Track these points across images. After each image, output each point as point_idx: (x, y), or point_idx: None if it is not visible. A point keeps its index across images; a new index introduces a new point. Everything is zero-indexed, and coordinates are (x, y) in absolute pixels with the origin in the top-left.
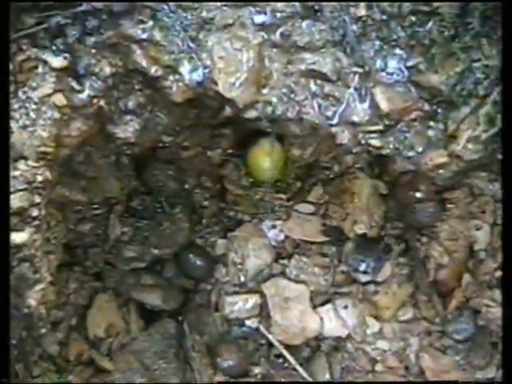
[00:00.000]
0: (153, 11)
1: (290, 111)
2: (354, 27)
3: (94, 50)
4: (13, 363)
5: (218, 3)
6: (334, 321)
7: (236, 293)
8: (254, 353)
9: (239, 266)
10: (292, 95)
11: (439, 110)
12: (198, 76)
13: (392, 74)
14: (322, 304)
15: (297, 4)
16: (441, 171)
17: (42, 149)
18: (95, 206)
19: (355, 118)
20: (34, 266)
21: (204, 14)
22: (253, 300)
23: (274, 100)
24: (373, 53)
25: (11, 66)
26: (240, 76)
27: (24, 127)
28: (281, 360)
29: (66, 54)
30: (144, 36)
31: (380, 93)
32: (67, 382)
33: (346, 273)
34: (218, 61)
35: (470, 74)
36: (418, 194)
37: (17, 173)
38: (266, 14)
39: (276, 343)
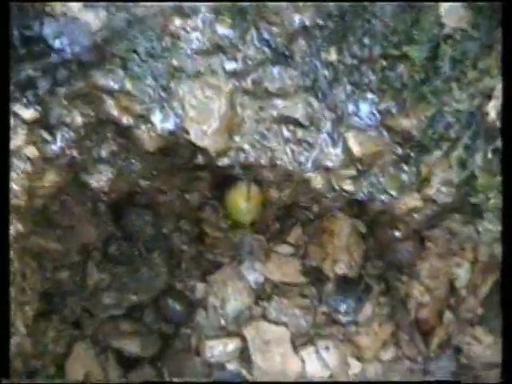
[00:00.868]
0: (123, 61)
1: (262, 158)
2: (326, 72)
3: (65, 101)
4: None
5: (189, 51)
6: (315, 362)
7: (216, 336)
8: None
9: (219, 310)
10: (265, 142)
11: (412, 154)
12: (169, 125)
13: (364, 118)
14: (303, 345)
15: (267, 50)
16: (415, 215)
17: (14, 201)
18: (72, 254)
19: (328, 163)
20: None
21: (175, 62)
22: (233, 343)
23: (247, 147)
24: (344, 97)
25: None
26: (212, 124)
27: None
28: None
29: (37, 106)
30: (115, 86)
31: (352, 137)
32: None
33: (326, 314)
34: (190, 109)
35: (441, 118)
36: (397, 233)
37: None
38: (236, 61)
39: None
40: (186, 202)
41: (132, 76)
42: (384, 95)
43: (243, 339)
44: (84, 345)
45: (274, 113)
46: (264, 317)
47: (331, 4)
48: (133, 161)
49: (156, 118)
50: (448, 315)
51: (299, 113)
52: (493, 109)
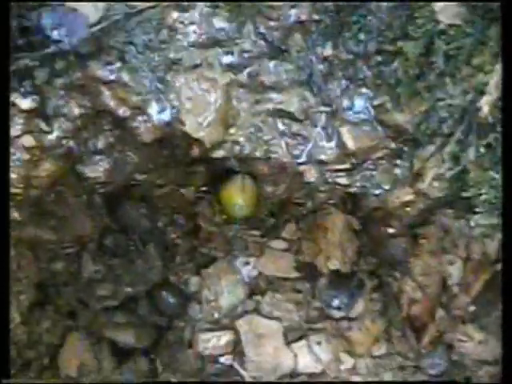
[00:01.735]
0: (120, 52)
1: (257, 150)
2: (321, 67)
3: (62, 92)
4: None
5: (186, 43)
6: (307, 357)
7: (209, 330)
8: None
9: (212, 303)
10: (260, 134)
11: (405, 149)
12: (165, 116)
13: (358, 112)
14: (296, 340)
15: (263, 44)
16: (408, 209)
17: (11, 190)
18: (67, 245)
19: (322, 157)
20: None
21: (172, 54)
22: (226, 337)
23: (242, 139)
24: (339, 92)
25: None
26: (207, 116)
27: None
28: None
29: (35, 96)
30: (112, 77)
31: (347, 132)
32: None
33: (319, 309)
34: (186, 101)
35: (435, 113)
36: (391, 230)
37: None
38: (233, 54)
39: (250, 380)
40: (182, 196)
41: (129, 68)
42: (379, 90)
43: (236, 333)
44: (78, 335)
45: (270, 106)
46: (257, 311)
47: None
48: (129, 153)
49: (152, 109)
50: (440, 312)
51: (294, 106)
52: (486, 104)
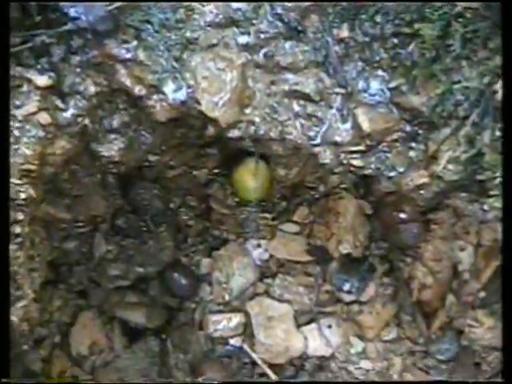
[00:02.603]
0: (137, 31)
1: (272, 131)
2: (337, 48)
3: (78, 69)
4: None
5: (202, 23)
6: (317, 340)
7: (220, 311)
8: (238, 372)
9: (223, 285)
10: (275, 115)
11: (420, 131)
12: (181, 95)
13: (374, 95)
14: (306, 323)
15: (280, 25)
16: (422, 192)
17: (26, 166)
18: (80, 224)
19: (337, 138)
20: (16, 282)
21: (188, 34)
22: (237, 319)
23: (257, 120)
24: (355, 74)
25: None
26: (223, 96)
27: None
28: (264, 379)
29: (51, 73)
30: (128, 56)
31: (362, 113)
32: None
33: (330, 292)
34: (202, 81)
35: (451, 96)
36: (403, 215)
37: None
38: (249, 34)
39: (260, 362)
40: (194, 177)
41: (145, 46)
42: (394, 72)
43: (247, 315)
44: (90, 314)
45: (285, 87)
46: (268, 293)
47: None
48: (143, 132)
49: (168, 88)
50: (450, 298)
51: (310, 88)
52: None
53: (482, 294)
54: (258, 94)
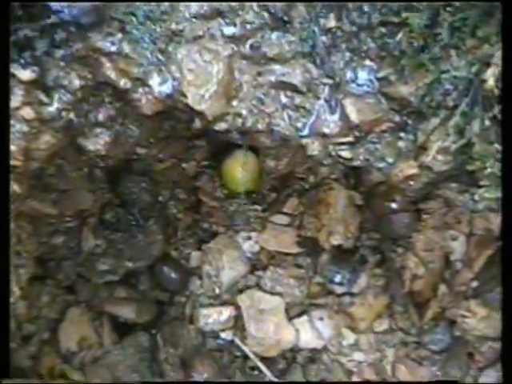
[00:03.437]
0: (121, 24)
1: (260, 123)
2: (324, 38)
3: (62, 63)
4: None
5: (187, 15)
6: (309, 332)
7: (211, 305)
8: (229, 365)
9: (214, 278)
10: (262, 107)
11: (409, 121)
12: (167, 88)
13: (362, 85)
14: (298, 316)
15: (266, 15)
16: (411, 182)
17: (11, 162)
18: (68, 219)
19: (326, 130)
20: None
21: (173, 26)
22: (227, 312)
23: (244, 112)
24: (343, 64)
25: None
26: (209, 88)
27: None
28: (256, 372)
29: (35, 67)
30: (113, 49)
31: (350, 104)
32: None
33: (321, 284)
34: (188, 73)
35: (439, 86)
36: (394, 205)
37: None
38: (235, 25)
39: (251, 355)
40: (183, 170)
41: (130, 39)
42: (382, 62)
43: (237, 308)
44: (78, 310)
45: (272, 78)
46: (259, 286)
47: None
48: (130, 126)
49: (154, 81)
50: (442, 288)
51: (297, 79)
52: (491, 76)
53: (475, 284)
54: (245, 85)
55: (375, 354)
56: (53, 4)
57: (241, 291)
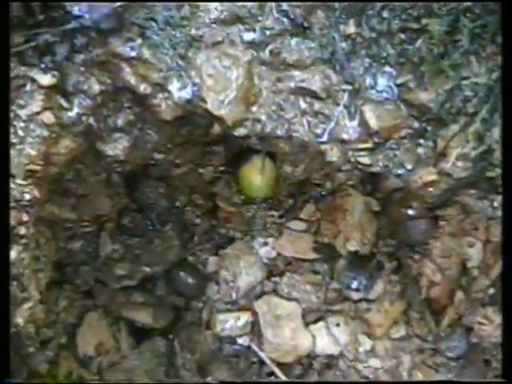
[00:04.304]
0: (141, 29)
1: (279, 129)
2: (344, 45)
3: (82, 68)
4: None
5: (207, 20)
6: (326, 338)
7: (227, 310)
8: (246, 371)
9: (231, 284)
10: (281, 113)
11: (428, 128)
12: (186, 94)
13: (381, 91)
14: (314, 322)
15: (286, 21)
16: (430, 189)
17: (30, 167)
18: (86, 224)
19: (345, 136)
20: (21, 284)
21: (193, 31)
22: (244, 318)
23: (263, 118)
24: (362, 70)
25: None
26: (229, 94)
27: (12, 145)
28: (272, 378)
29: (55, 72)
30: (133, 54)
31: (369, 110)
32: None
33: (337, 290)
34: (207, 78)
35: (459, 92)
36: (411, 212)
37: None
38: (255, 31)
39: (268, 361)
40: (200, 175)
41: (150, 44)
42: (402, 69)
43: (254, 314)
44: (96, 315)
45: (292, 84)
46: (275, 292)
47: None
48: (149, 131)
49: (173, 86)
50: (459, 295)
51: (316, 85)
52: None
53: (492, 291)
54: (264, 91)
55: (391, 360)
56: (74, 9)
57: (258, 297)
